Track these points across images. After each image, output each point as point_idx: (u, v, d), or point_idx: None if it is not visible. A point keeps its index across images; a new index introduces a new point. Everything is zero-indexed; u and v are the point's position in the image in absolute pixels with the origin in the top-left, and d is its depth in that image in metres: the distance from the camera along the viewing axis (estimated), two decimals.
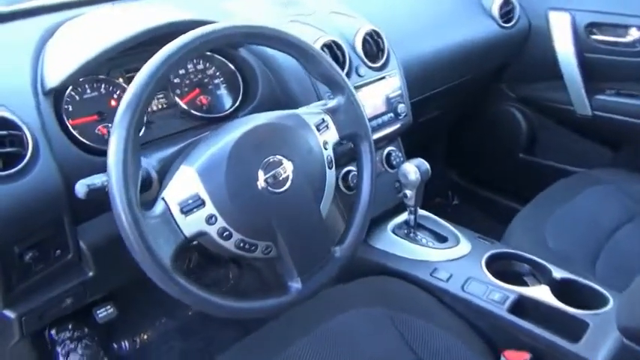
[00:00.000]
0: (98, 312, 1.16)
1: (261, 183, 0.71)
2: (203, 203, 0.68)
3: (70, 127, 0.84)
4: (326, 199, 0.80)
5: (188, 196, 0.67)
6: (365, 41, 1.15)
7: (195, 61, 1.01)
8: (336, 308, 0.94)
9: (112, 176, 0.62)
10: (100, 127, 0.89)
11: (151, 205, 0.67)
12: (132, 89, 0.64)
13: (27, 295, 0.85)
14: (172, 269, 0.64)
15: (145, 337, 1.41)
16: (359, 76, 1.12)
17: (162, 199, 0.66)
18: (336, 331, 0.90)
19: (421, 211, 1.19)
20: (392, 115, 1.18)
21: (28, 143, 0.74)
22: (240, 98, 1.04)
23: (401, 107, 1.19)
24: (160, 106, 0.97)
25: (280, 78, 1.03)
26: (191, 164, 0.69)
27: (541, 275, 1.03)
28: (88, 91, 0.89)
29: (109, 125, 0.89)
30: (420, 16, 1.39)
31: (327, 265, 0.79)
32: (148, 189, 0.73)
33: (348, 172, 1.16)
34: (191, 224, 0.67)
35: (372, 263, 1.11)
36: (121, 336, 1.39)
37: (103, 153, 0.87)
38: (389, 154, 1.23)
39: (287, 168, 0.74)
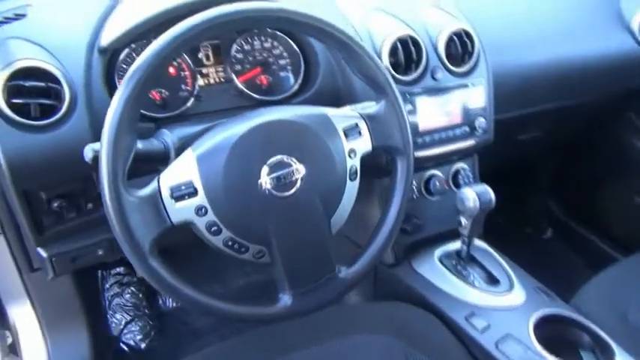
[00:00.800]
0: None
1: (263, 182, 0.65)
2: (195, 192, 0.64)
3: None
4: (340, 213, 0.72)
5: (182, 181, 0.63)
6: (450, 41, 1.01)
7: (262, 38, 0.96)
8: (346, 327, 0.86)
9: (103, 146, 0.60)
10: (153, 91, 0.89)
11: (147, 184, 0.64)
12: (141, 58, 0.61)
13: (58, 240, 0.89)
14: (149, 253, 0.61)
15: None
16: (433, 79, 0.99)
17: (157, 180, 0.64)
18: (339, 352, 0.82)
19: (479, 243, 1.05)
20: (467, 128, 1.04)
21: (64, 97, 0.76)
22: (299, 82, 0.97)
23: (480, 122, 1.04)
24: (215, 80, 0.95)
25: (343, 68, 0.94)
26: (195, 149, 0.66)
27: (604, 354, 0.84)
28: None
29: (163, 91, 0.89)
30: (531, 20, 1.19)
31: (327, 285, 0.71)
32: (165, 165, 0.71)
33: (432, 176, 1.06)
34: (179, 211, 0.63)
35: (404, 286, 1.01)
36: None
37: (145, 119, 0.88)
38: (457, 172, 1.09)
39: (297, 172, 0.67)
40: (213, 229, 0.65)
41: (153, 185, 0.63)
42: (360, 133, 0.73)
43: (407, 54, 0.96)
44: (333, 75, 0.96)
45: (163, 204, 0.63)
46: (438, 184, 1.06)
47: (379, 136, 0.74)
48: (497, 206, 0.93)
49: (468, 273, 1.01)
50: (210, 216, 0.64)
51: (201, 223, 0.65)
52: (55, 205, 0.82)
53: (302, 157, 0.67)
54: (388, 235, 0.75)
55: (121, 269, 1.38)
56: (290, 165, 0.66)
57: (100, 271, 1.37)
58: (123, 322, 1.34)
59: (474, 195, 0.92)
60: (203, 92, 0.93)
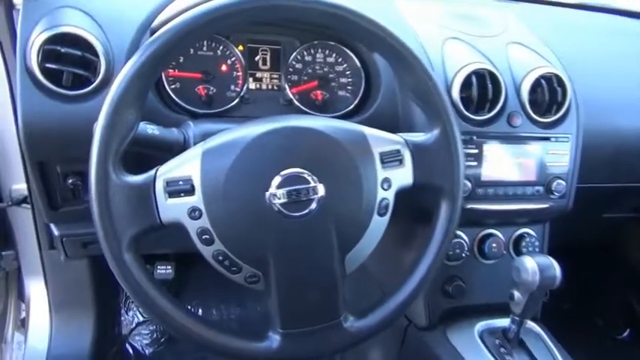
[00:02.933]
0: (158, 268, 1.15)
1: (271, 195, 0.55)
2: (192, 190, 0.55)
3: (164, 75, 0.80)
4: (359, 251, 0.60)
5: (180, 176, 0.55)
6: (537, 85, 0.87)
7: (327, 51, 0.89)
8: None
9: (99, 117, 0.53)
10: (200, 86, 0.84)
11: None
12: (163, 30, 0.54)
13: (72, 220, 0.85)
14: (126, 248, 0.53)
15: (202, 310, 1.37)
16: (510, 125, 0.86)
17: (156, 170, 0.56)
18: None
19: (532, 325, 0.88)
20: (542, 189, 0.88)
21: (99, 70, 0.72)
22: (355, 103, 0.88)
23: (559, 185, 0.88)
24: (267, 86, 0.89)
25: (404, 93, 0.84)
26: (204, 143, 0.58)
27: None
28: (204, 48, 0.85)
29: (210, 88, 0.84)
30: (637, 81, 1.02)
31: (326, 333, 0.59)
32: None
33: (489, 236, 0.91)
34: (171, 209, 0.55)
35: (432, 356, 0.85)
36: (183, 298, 1.38)
37: (183, 111, 0.83)
38: (521, 238, 0.93)
39: (314, 191, 0.56)
40: (204, 237, 0.56)
41: (148, 174, 0.56)
42: (400, 162, 0.61)
43: (481, 91, 0.84)
44: (392, 100, 0.86)
45: (155, 197, 0.55)
46: (494, 246, 0.91)
47: (423, 170, 0.62)
48: (563, 287, 0.77)
49: (512, 359, 0.84)
50: (204, 221, 0.55)
51: (192, 227, 0.56)
52: (70, 181, 0.78)
53: (323, 175, 0.57)
54: (413, 290, 0.62)
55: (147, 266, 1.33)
56: (307, 181, 0.56)
57: None
58: (135, 322, 1.28)
59: (535, 266, 0.76)
60: (251, 95, 0.87)
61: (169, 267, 1.15)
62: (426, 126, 0.65)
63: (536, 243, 0.93)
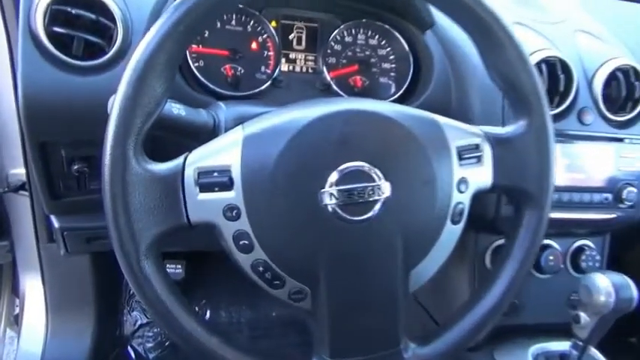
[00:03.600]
0: (168, 266, 1.05)
1: (326, 194, 0.45)
2: (230, 184, 0.44)
3: (188, 52, 0.70)
4: (427, 266, 0.50)
5: (216, 165, 0.45)
6: (612, 79, 0.76)
7: (370, 32, 0.79)
8: None
9: (118, 95, 0.43)
10: (227, 65, 0.74)
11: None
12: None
13: (75, 212, 0.75)
14: (145, 253, 0.43)
15: (210, 312, 1.27)
16: (581, 123, 0.75)
17: (185, 157, 0.45)
18: None
19: (594, 352, 0.77)
20: (610, 197, 0.78)
21: (116, 39, 0.61)
22: (400, 93, 0.78)
23: (630, 193, 0.77)
24: (302, 68, 0.78)
25: (461, 81, 0.73)
26: (246, 127, 0.47)
27: None
28: (233, 22, 0.74)
29: (238, 68, 0.73)
30: None
31: None
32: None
33: (545, 248, 0.80)
34: (202, 206, 0.45)
35: None
36: (192, 303, 1.27)
37: (206, 92, 0.72)
38: (580, 250, 0.82)
39: (379, 190, 0.46)
40: (242, 242, 0.45)
41: (176, 162, 0.45)
42: (479, 159, 0.51)
43: (551, 82, 0.73)
44: (445, 90, 0.75)
45: (183, 190, 0.44)
46: (551, 258, 0.80)
47: (506, 170, 0.51)
48: None
49: None
50: (243, 223, 0.45)
51: (228, 230, 0.45)
52: (76, 168, 0.67)
53: (390, 173, 0.46)
54: (488, 315, 0.52)
55: None
56: (370, 178, 0.45)
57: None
58: (137, 323, 1.18)
59: (609, 286, 0.66)
60: (284, 78, 0.77)
61: (179, 266, 1.05)
62: (510, 117, 0.55)
63: (597, 257, 0.82)
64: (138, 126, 0.42)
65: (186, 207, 0.44)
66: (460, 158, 0.49)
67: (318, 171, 0.45)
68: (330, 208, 0.45)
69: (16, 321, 1.14)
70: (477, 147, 0.51)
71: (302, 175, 0.45)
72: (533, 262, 0.53)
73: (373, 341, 0.48)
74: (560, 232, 0.82)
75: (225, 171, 0.45)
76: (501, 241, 0.79)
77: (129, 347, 1.17)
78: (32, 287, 1.03)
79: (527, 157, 0.51)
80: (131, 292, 1.19)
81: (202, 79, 0.71)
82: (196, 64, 0.72)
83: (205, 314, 1.27)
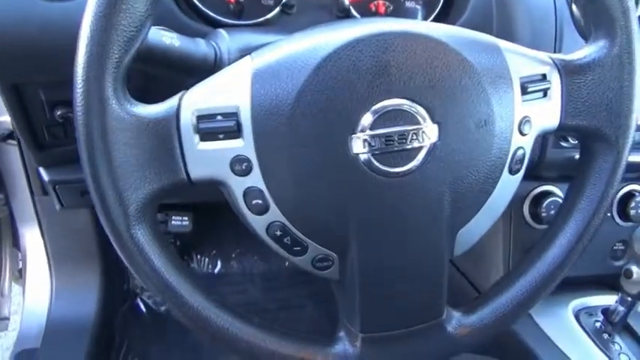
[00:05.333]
0: (173, 219, 0.98)
1: (357, 140, 0.36)
2: (238, 130, 0.36)
3: None
4: (477, 225, 0.41)
5: (219, 106, 0.36)
6: None
7: None
8: None
9: (87, 14, 0.33)
10: None
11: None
12: None
13: (65, 163, 0.67)
14: (136, 217, 0.35)
15: (221, 264, 1.22)
16: None
17: (180, 97, 0.36)
18: None
19: None
20: None
21: None
22: (431, 20, 0.67)
23: None
24: None
25: (505, 4, 0.62)
26: (255, 57, 0.37)
27: None
28: None
29: None
30: None
31: (424, 338, 0.42)
32: None
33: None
34: (203, 159, 0.36)
35: (515, 341, 0.70)
36: (202, 255, 1.22)
37: (204, 21, 0.62)
38: (630, 196, 0.74)
39: (424, 135, 0.37)
40: (255, 202, 0.37)
41: (169, 103, 0.36)
42: (545, 93, 0.41)
43: None
44: (486, 11, 0.64)
45: (180, 139, 0.35)
46: None
47: (578, 107, 0.42)
48: None
49: (614, 346, 0.68)
50: (255, 179, 0.36)
51: (237, 187, 0.37)
52: (59, 113, 0.59)
53: (438, 112, 0.37)
54: (546, 279, 0.44)
55: (159, 215, 1.16)
56: (414, 120, 0.36)
57: None
58: None
59: None
60: (295, 3, 0.65)
61: (186, 218, 0.98)
62: (569, 45, 0.45)
63: None
64: (116, 56, 0.33)
65: (184, 160, 0.36)
66: (524, 92, 0.40)
67: (347, 112, 0.36)
68: (362, 158, 0.36)
69: (20, 275, 1.10)
70: (544, 77, 0.41)
71: (327, 118, 0.36)
72: (603, 217, 0.44)
73: (411, 312, 0.41)
74: None
75: (232, 114, 0.36)
76: (543, 189, 0.71)
77: (139, 300, 1.13)
78: (32, 241, 0.97)
79: (606, 89, 0.41)
80: None
81: (200, 5, 0.61)
82: None
83: (216, 266, 1.22)
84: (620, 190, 0.74)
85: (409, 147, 0.36)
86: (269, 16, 0.64)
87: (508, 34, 0.63)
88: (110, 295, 1.02)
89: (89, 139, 0.34)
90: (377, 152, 0.36)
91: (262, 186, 0.36)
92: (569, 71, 0.41)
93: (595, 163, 0.44)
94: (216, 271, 1.23)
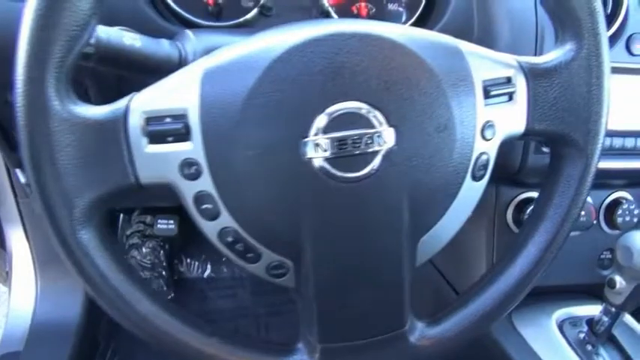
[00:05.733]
0: (159, 222, 0.98)
1: (311, 144, 0.35)
2: (186, 132, 0.35)
3: None
4: (440, 232, 0.40)
5: (168, 108, 0.35)
6: None
7: None
8: None
9: (27, 11, 0.32)
10: None
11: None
12: None
13: None
14: (81, 220, 0.34)
15: (211, 268, 1.21)
16: (629, 53, 0.63)
17: (129, 98, 0.35)
18: None
19: (628, 319, 0.69)
20: None
21: None
22: (412, 21, 0.66)
23: None
24: None
25: (486, 3, 0.61)
26: (204, 61, 0.36)
27: None
28: None
29: None
30: None
31: (385, 349, 0.40)
32: None
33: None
34: (152, 162, 0.35)
35: (498, 352, 0.68)
36: (191, 259, 1.21)
37: (181, 23, 0.61)
38: (616, 204, 0.72)
39: (381, 139, 0.35)
40: (204, 206, 0.36)
41: (117, 104, 0.35)
42: (510, 97, 0.40)
43: None
44: (467, 13, 0.63)
45: (127, 141, 0.34)
46: (583, 213, 0.70)
47: (545, 112, 0.40)
48: None
49: (599, 358, 0.66)
50: (205, 182, 0.35)
51: (187, 191, 0.36)
52: None
53: (395, 116, 0.36)
54: (514, 288, 0.43)
55: (147, 218, 1.15)
56: (370, 124, 0.35)
57: (121, 215, 1.15)
58: None
59: None
60: (274, 4, 0.64)
61: (172, 221, 0.98)
62: (550, 46, 0.43)
63: (636, 211, 0.72)
64: (58, 55, 0.32)
65: (132, 163, 0.35)
66: (487, 96, 0.38)
67: (300, 114, 0.35)
68: (316, 163, 0.35)
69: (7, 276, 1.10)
70: (508, 81, 0.39)
71: (278, 121, 0.34)
72: (572, 224, 0.43)
73: (371, 323, 0.40)
74: (593, 184, 0.72)
75: (181, 116, 0.35)
76: (526, 195, 0.69)
77: None
78: (18, 243, 0.96)
79: (573, 93, 0.40)
80: (128, 247, 1.12)
81: (175, 6, 0.60)
82: None
83: (206, 270, 1.21)
84: (607, 198, 0.73)
85: (364, 151, 0.35)
86: (247, 17, 0.63)
87: (489, 37, 0.61)
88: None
89: (32, 141, 0.33)
90: (330, 157, 0.35)
91: (213, 190, 0.35)
92: (535, 74, 0.40)
93: (563, 170, 0.42)
94: (205, 275, 1.22)
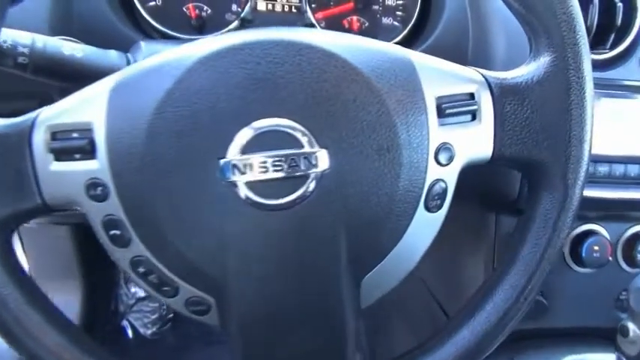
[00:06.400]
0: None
1: (229, 166, 0.31)
2: (91, 149, 0.31)
3: None
4: (387, 271, 0.34)
5: (74, 122, 0.32)
6: None
7: None
8: None
9: None
10: (190, 4, 0.60)
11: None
12: None
13: None
14: None
15: None
16: None
17: (39, 112, 0.32)
18: None
19: None
20: None
21: None
22: (404, 34, 0.62)
23: None
24: (282, 8, 0.64)
25: (482, 18, 0.56)
26: (118, 73, 0.33)
27: None
28: None
29: (204, 7, 0.60)
30: None
31: None
32: None
33: (588, 234, 0.63)
34: (57, 181, 0.32)
35: None
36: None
37: (169, 39, 0.59)
38: (636, 238, 0.64)
39: (311, 162, 0.31)
40: (113, 232, 0.32)
41: (24, 117, 0.32)
42: (474, 116, 0.34)
43: (604, 14, 0.54)
44: (460, 28, 0.58)
45: (32, 158, 0.31)
46: (596, 249, 0.63)
47: (515, 134, 0.35)
48: None
49: None
50: (113, 205, 0.32)
51: (95, 213, 0.32)
52: None
53: (327, 135, 0.31)
54: (487, 332, 0.37)
55: None
56: (298, 144, 0.31)
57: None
58: (136, 297, 1.10)
59: None
60: (257, 18, 0.62)
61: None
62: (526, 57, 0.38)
63: None
64: None
65: (37, 181, 0.32)
66: (442, 115, 0.33)
67: (214, 132, 0.31)
68: (234, 187, 0.31)
69: None
70: (470, 98, 0.34)
71: (192, 139, 0.31)
72: (552, 259, 0.37)
73: None
74: (609, 216, 0.64)
75: (86, 130, 0.31)
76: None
77: (125, 322, 1.10)
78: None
79: (549, 113, 0.34)
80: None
81: (154, 22, 0.58)
82: (151, 4, 0.59)
83: None
84: (626, 232, 0.65)
85: (291, 175, 0.31)
86: (228, 29, 0.60)
87: (484, 52, 0.57)
88: (91, 316, 0.99)
89: None
90: (253, 180, 0.31)
91: (121, 215, 0.32)
92: (503, 91, 0.34)
93: (539, 204, 0.36)
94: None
